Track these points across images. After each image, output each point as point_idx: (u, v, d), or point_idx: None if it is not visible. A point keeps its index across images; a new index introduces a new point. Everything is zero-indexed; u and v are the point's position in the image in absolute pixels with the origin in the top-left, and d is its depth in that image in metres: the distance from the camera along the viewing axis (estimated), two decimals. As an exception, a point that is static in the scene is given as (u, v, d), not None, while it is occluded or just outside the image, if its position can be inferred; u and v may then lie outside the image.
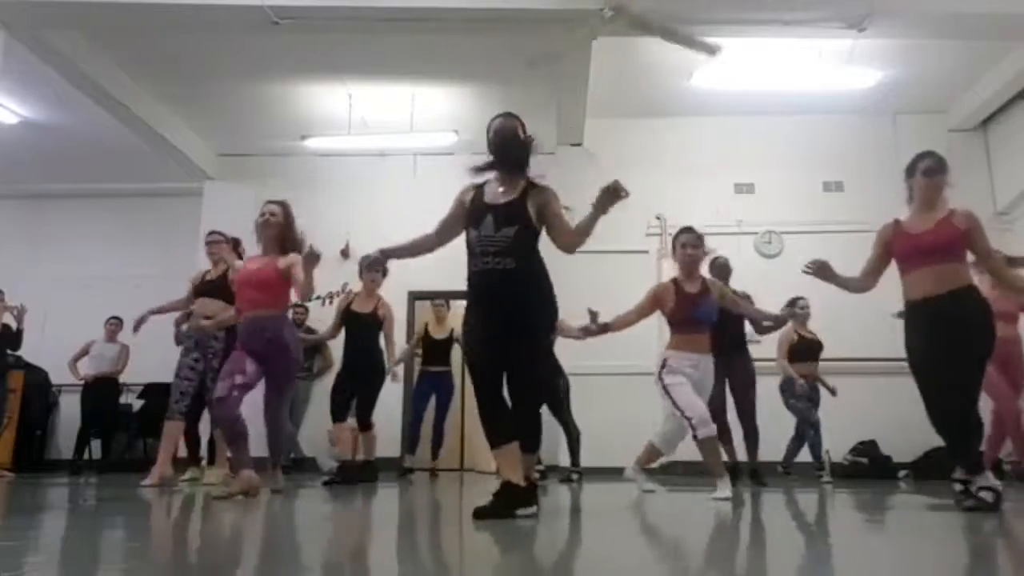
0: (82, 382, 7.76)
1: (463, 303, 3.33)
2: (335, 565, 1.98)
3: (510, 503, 2.89)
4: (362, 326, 5.64)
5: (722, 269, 5.69)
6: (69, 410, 8.50)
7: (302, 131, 8.17)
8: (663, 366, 4.17)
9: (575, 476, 6.01)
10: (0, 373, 7.06)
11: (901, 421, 7.11)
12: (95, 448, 8.04)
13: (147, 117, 7.47)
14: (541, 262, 3.14)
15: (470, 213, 3.18)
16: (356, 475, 5.63)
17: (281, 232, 4.24)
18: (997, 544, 2.40)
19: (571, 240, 3.12)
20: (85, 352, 7.83)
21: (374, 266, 5.41)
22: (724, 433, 5.41)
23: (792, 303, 4.78)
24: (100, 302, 8.07)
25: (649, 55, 6.89)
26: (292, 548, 2.25)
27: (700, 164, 7.94)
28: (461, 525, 2.97)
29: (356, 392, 5.74)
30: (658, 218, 7.73)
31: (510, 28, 5.99)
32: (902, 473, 6.91)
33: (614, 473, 5.62)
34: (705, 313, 4.21)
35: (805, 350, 6.27)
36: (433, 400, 6.94)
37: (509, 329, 3.02)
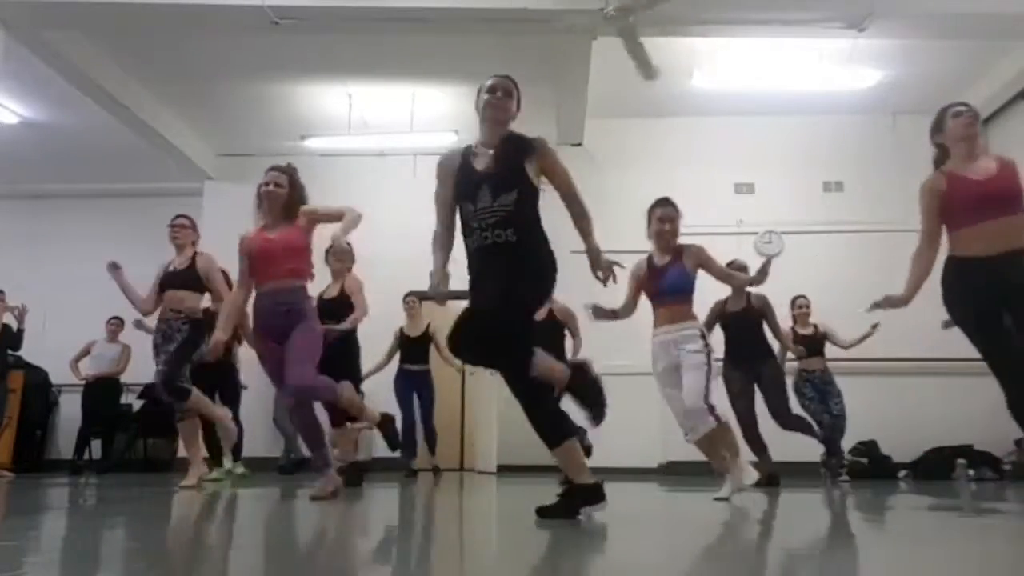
0: (83, 382, 7.76)
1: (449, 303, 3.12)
2: (334, 566, 1.98)
3: (573, 503, 2.84)
4: (332, 312, 5.30)
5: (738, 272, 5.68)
6: (69, 410, 8.50)
7: (302, 131, 8.17)
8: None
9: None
10: (0, 373, 7.06)
11: (901, 421, 7.14)
12: (95, 448, 8.04)
13: (147, 117, 7.47)
14: (543, 232, 2.92)
15: (461, 185, 2.94)
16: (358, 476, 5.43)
17: (287, 203, 3.96)
18: (997, 544, 2.40)
19: (574, 203, 2.97)
20: (86, 352, 7.83)
21: (341, 255, 5.24)
22: (756, 443, 5.42)
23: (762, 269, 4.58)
24: (100, 302, 8.07)
25: (649, 55, 6.89)
26: (290, 548, 2.25)
27: (700, 164, 7.93)
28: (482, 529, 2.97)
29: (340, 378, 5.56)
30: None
31: (510, 28, 6.00)
32: (902, 473, 6.91)
33: (615, 473, 5.63)
34: (671, 283, 4.04)
35: (806, 346, 6.33)
36: (416, 401, 6.79)
37: (501, 304, 2.78)
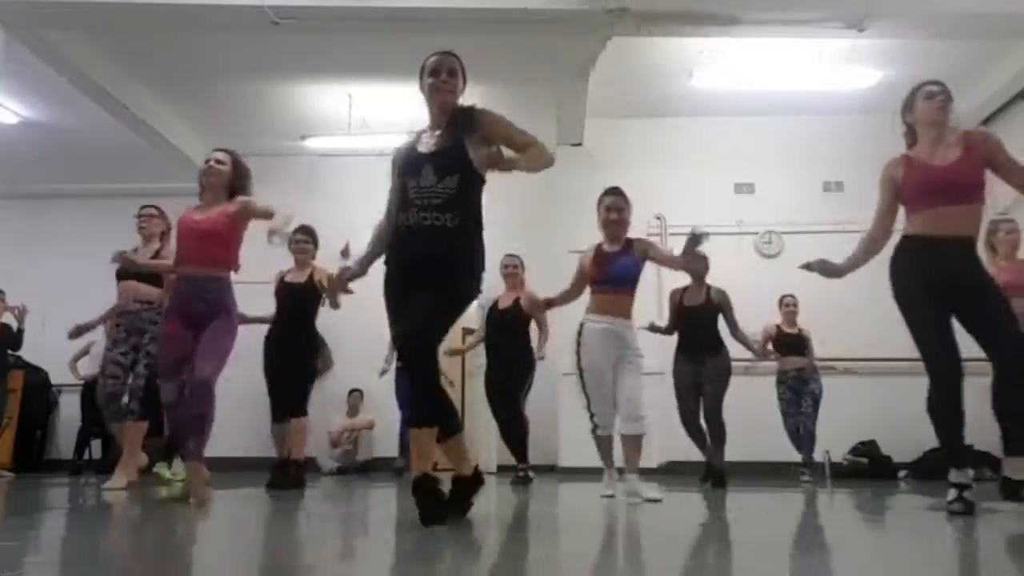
0: (82, 382, 7.76)
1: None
2: (333, 568, 1.98)
3: (465, 494, 2.90)
4: (295, 298, 5.10)
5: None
6: (69, 410, 8.50)
7: (302, 131, 8.17)
8: (579, 332, 4.06)
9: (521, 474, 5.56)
10: (0, 373, 7.07)
11: (901, 421, 7.11)
12: (95, 448, 8.04)
13: (147, 117, 7.48)
14: (480, 224, 2.84)
15: (404, 162, 2.87)
16: (284, 477, 4.92)
17: (228, 183, 3.86)
18: (998, 544, 2.40)
19: (532, 159, 2.82)
20: (85, 352, 7.82)
21: (300, 237, 5.11)
22: (698, 436, 5.42)
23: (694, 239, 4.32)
24: (100, 302, 8.07)
25: (649, 55, 6.89)
26: (289, 548, 2.25)
27: (700, 164, 7.94)
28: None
29: (286, 374, 5.04)
30: (658, 218, 7.74)
31: (510, 28, 6.00)
32: (902, 473, 6.91)
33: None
34: (621, 271, 3.99)
35: (788, 346, 6.31)
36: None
37: (422, 296, 2.67)
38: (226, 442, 4.98)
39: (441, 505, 2.61)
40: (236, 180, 3.90)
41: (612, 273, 4.00)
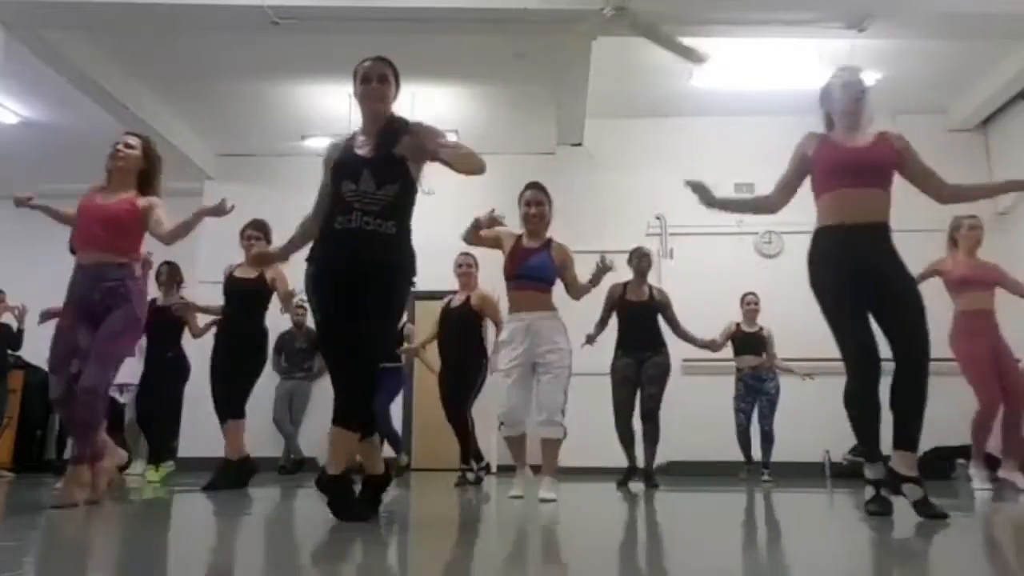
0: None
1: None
2: (332, 568, 1.99)
3: (376, 494, 3.06)
4: (243, 294, 4.91)
5: (641, 260, 5.47)
6: (69, 410, 8.52)
7: (302, 131, 8.17)
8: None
9: (472, 475, 5.66)
10: (0, 373, 7.07)
11: (901, 421, 7.14)
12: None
13: (147, 117, 7.48)
14: (410, 231, 2.90)
15: (342, 164, 2.85)
16: (234, 476, 4.78)
17: (137, 168, 3.65)
18: (996, 545, 2.40)
19: (462, 159, 2.80)
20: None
21: (252, 233, 4.94)
22: (627, 434, 5.37)
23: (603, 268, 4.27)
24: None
25: (649, 55, 6.87)
26: (290, 548, 2.26)
27: (700, 164, 7.90)
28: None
29: (229, 374, 4.83)
30: (658, 218, 7.73)
31: (510, 28, 6.00)
32: (902, 473, 6.90)
33: (615, 474, 5.64)
34: (534, 268, 3.93)
35: (747, 344, 6.32)
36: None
37: (365, 301, 2.73)
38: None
39: (355, 502, 2.80)
40: (147, 167, 3.69)
41: (525, 269, 3.94)
